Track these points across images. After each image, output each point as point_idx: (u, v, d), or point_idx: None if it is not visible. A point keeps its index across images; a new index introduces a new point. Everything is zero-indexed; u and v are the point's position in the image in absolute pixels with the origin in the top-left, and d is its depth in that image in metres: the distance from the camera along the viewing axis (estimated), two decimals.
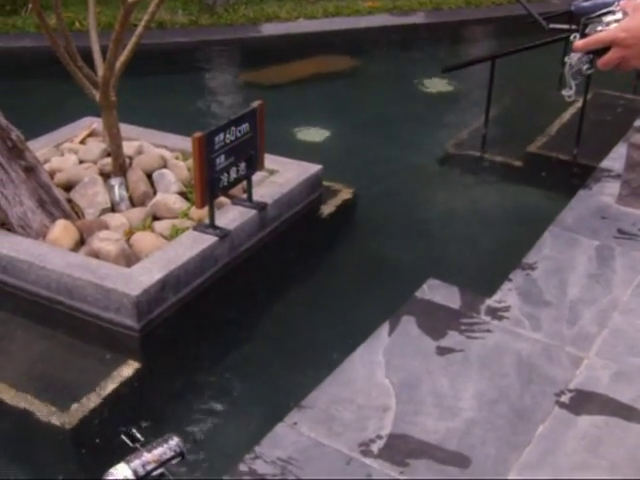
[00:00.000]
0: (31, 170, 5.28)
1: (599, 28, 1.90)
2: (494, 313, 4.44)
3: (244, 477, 3.37)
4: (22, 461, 4.02)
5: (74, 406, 4.13)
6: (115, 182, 5.51)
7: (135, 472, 3.22)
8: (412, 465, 3.45)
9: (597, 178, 5.91)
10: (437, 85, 8.70)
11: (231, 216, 5.25)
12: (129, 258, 4.87)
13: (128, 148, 5.82)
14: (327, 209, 5.95)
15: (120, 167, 5.63)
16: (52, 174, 5.66)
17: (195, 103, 8.32)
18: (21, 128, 5.28)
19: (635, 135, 5.55)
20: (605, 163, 6.11)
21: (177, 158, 6.02)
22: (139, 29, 5.39)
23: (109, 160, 5.77)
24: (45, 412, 4.10)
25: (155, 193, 5.58)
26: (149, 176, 5.71)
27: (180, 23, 10.31)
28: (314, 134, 7.45)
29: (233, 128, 4.98)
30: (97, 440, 4.04)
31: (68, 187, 5.65)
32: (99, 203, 5.43)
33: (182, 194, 5.56)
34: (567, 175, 6.72)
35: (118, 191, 5.48)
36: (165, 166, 5.82)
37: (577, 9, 5.44)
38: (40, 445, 4.10)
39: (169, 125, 6.58)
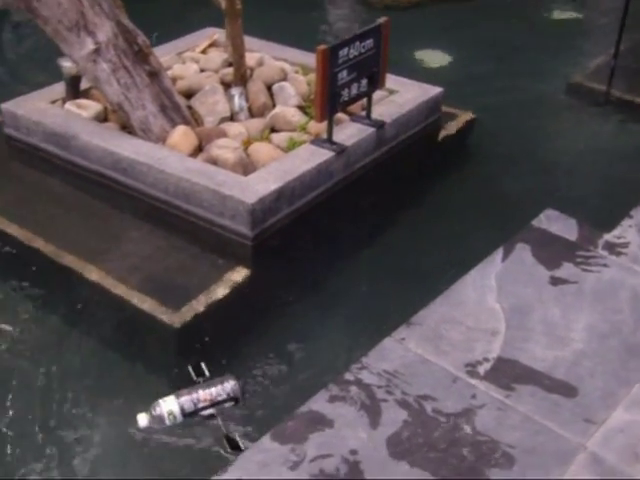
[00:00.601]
0: (155, 75, 5.34)
1: None
2: (612, 248, 4.32)
3: (350, 386, 3.41)
4: (132, 354, 4.17)
5: (184, 307, 4.22)
6: (235, 92, 5.53)
7: (182, 408, 3.29)
8: (518, 390, 3.42)
9: None
10: (566, 13, 8.38)
11: (349, 132, 5.21)
12: (246, 167, 4.91)
13: (249, 59, 5.83)
14: (445, 133, 5.85)
15: (241, 77, 5.64)
16: (173, 81, 5.72)
17: (312, 20, 8.24)
18: (145, 34, 5.33)
19: None
20: None
21: (297, 72, 6.00)
22: None
23: (230, 70, 5.79)
24: (155, 310, 4.21)
25: (274, 105, 5.58)
26: (269, 88, 5.71)
27: None
28: (435, 58, 7.31)
29: (357, 43, 4.91)
30: (204, 340, 4.15)
31: (189, 95, 5.70)
32: (219, 112, 5.47)
33: (300, 108, 5.55)
34: None
35: (238, 101, 5.50)
36: (285, 79, 5.81)
37: None
38: (149, 340, 4.23)
39: (288, 39, 6.54)
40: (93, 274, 4.47)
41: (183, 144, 5.12)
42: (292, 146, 5.14)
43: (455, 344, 3.65)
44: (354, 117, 5.41)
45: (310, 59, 6.02)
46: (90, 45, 5.10)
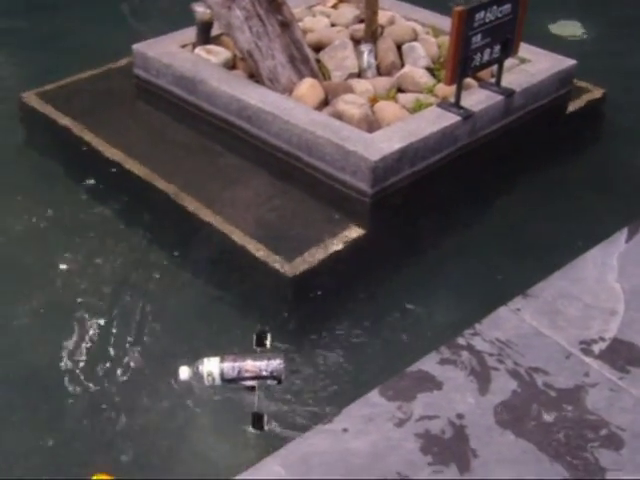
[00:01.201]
0: (286, 25, 5.35)
1: None
2: None
3: (461, 350, 3.39)
4: (246, 301, 4.22)
5: (298, 258, 4.25)
6: (365, 48, 5.50)
7: (222, 372, 3.27)
8: (633, 373, 3.35)
9: None
10: None
11: (476, 98, 5.13)
12: (371, 124, 4.89)
13: (380, 17, 5.77)
14: (574, 107, 5.69)
15: (372, 34, 5.60)
16: (304, 33, 5.71)
17: None
18: None
19: None
20: None
21: (428, 33, 5.93)
22: None
23: (361, 26, 5.76)
24: (270, 259, 4.24)
25: (403, 65, 5.54)
26: (399, 47, 5.66)
27: None
28: (570, 29, 7.09)
29: (495, 7, 4.81)
30: (316, 293, 4.17)
31: (318, 48, 5.70)
32: (347, 67, 5.46)
33: (429, 70, 5.49)
34: None
35: (367, 58, 5.47)
36: (416, 39, 5.75)
37: None
38: (263, 289, 4.27)
39: (418, 0, 6.45)
40: (210, 218, 4.54)
41: (309, 97, 5.13)
42: (418, 107, 5.09)
43: (571, 320, 3.58)
44: (482, 83, 5.32)
45: (441, 21, 5.99)
46: None
